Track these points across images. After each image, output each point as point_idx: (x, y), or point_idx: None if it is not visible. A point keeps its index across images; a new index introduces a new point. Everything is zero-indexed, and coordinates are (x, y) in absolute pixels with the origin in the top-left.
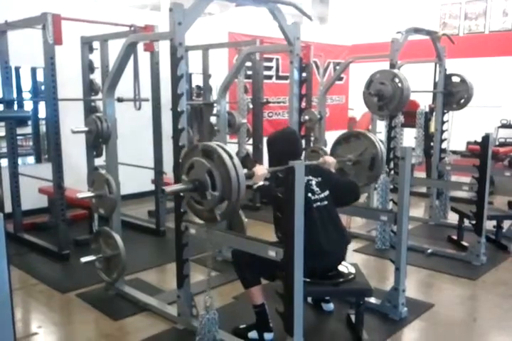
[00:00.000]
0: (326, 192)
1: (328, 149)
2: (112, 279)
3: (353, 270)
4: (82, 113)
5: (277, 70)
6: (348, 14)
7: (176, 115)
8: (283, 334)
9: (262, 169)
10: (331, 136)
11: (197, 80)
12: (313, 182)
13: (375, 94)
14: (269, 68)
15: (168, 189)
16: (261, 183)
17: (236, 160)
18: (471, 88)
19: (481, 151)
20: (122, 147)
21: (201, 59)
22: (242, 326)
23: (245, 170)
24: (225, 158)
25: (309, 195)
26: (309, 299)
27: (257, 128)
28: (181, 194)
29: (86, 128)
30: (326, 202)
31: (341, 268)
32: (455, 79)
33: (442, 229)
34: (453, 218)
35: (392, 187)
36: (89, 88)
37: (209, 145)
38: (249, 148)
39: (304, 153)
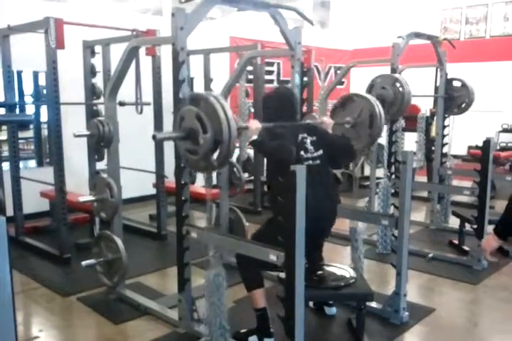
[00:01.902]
0: (320, 152)
1: None
2: (113, 283)
3: (354, 274)
4: (83, 117)
5: (278, 74)
6: (349, 19)
7: None
8: (284, 339)
9: (256, 123)
10: None
11: (199, 84)
12: (308, 141)
13: (376, 98)
14: (271, 72)
15: (159, 135)
16: (255, 137)
17: (222, 101)
18: (472, 92)
19: (482, 156)
20: (124, 151)
21: (203, 63)
22: (242, 330)
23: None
24: (212, 99)
25: (302, 152)
26: (311, 303)
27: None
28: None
29: (88, 132)
30: (318, 162)
31: (342, 272)
32: (456, 83)
33: (443, 233)
34: (454, 222)
35: (393, 191)
36: (91, 92)
37: (196, 94)
38: (251, 152)
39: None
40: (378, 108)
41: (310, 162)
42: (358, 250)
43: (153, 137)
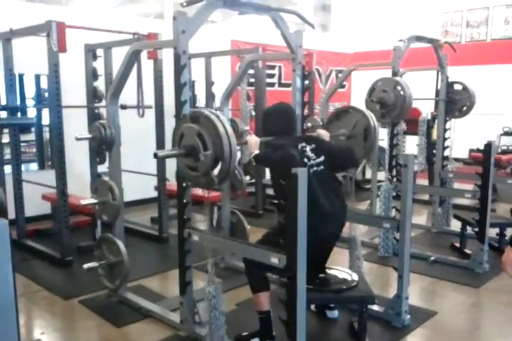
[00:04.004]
0: (322, 158)
1: None
2: (115, 286)
3: (355, 277)
4: (85, 120)
5: (280, 78)
6: (350, 22)
7: None
8: None
9: (255, 138)
10: None
11: (200, 88)
12: (308, 149)
13: (378, 101)
14: (272, 76)
15: (160, 153)
16: (257, 152)
17: (222, 118)
18: (473, 96)
19: (483, 159)
20: (125, 154)
21: (204, 66)
22: (244, 333)
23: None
24: (212, 117)
25: (305, 160)
26: (312, 306)
27: (259, 136)
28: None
29: (90, 135)
30: (322, 167)
31: (344, 275)
32: (457, 86)
33: (445, 236)
34: (456, 225)
35: (394, 194)
36: (93, 95)
37: (196, 111)
38: None
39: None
40: (373, 122)
41: (315, 168)
42: (359, 256)
43: (155, 155)
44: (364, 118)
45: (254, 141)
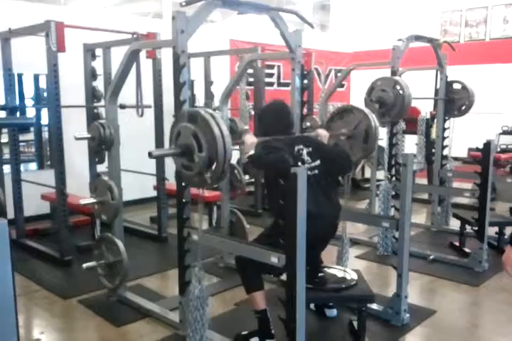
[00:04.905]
0: (317, 162)
1: None
2: (114, 285)
3: (355, 276)
4: (84, 119)
5: (279, 77)
6: (349, 21)
7: None
8: None
9: (252, 138)
10: None
11: (199, 87)
12: (304, 152)
13: (377, 101)
14: (271, 75)
15: (155, 152)
16: (251, 152)
17: (219, 119)
18: (472, 95)
19: (482, 158)
20: (125, 153)
21: (203, 66)
22: (243, 332)
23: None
24: (208, 118)
25: (299, 163)
26: (312, 305)
27: (257, 135)
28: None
29: (89, 135)
30: (316, 172)
31: (343, 274)
32: (456, 86)
33: (444, 235)
34: (455, 224)
35: (393, 193)
36: (92, 95)
37: (193, 110)
38: None
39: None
40: (375, 124)
41: (308, 172)
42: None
43: (149, 154)
44: (366, 119)
45: (250, 141)
